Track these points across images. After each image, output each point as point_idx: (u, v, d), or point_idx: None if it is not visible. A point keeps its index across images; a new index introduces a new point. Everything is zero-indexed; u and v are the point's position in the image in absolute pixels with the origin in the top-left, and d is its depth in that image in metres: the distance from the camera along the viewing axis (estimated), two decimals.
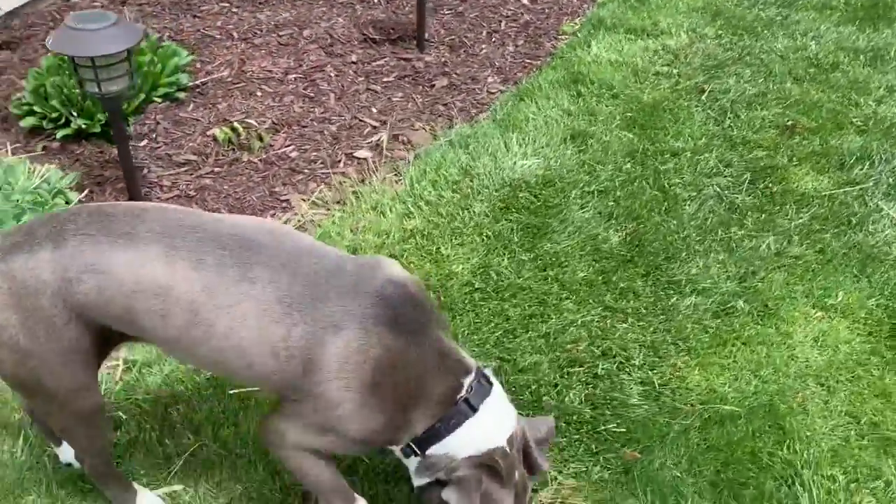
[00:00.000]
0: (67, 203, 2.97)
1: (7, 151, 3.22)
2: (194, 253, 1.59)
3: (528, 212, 3.04)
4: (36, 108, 3.39)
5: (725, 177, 3.23)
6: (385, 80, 3.95)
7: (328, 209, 3.11)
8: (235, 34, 4.27)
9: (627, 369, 2.43)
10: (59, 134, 3.36)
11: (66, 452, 2.12)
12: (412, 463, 1.74)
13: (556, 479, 2.11)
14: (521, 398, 2.31)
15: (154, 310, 1.59)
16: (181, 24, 4.35)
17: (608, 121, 3.58)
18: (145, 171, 3.28)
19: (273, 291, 1.58)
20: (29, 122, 3.41)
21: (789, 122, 3.53)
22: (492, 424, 1.69)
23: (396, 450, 1.75)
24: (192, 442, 2.20)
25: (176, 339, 1.62)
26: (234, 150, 3.43)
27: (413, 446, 1.70)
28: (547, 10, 4.68)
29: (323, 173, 3.30)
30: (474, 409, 1.67)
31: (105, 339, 1.72)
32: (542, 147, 3.40)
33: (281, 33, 4.30)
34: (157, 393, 2.35)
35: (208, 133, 3.47)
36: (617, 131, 3.51)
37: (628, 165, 3.29)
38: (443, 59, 4.14)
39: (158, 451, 2.19)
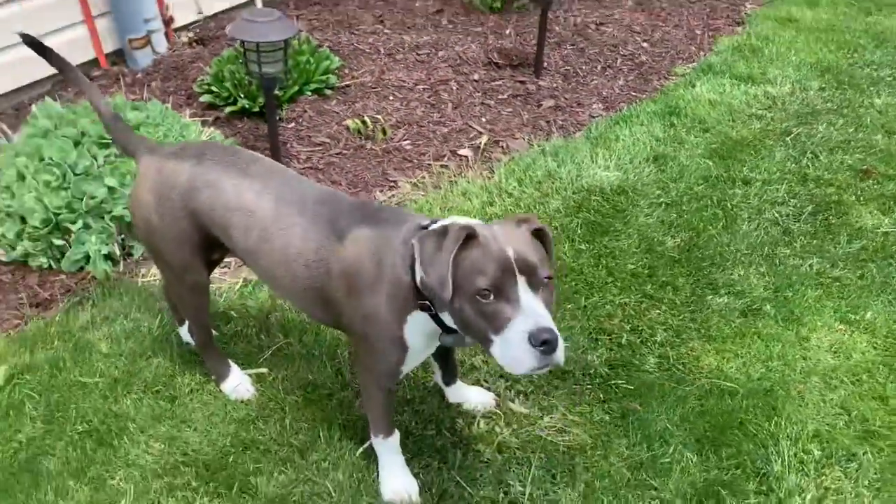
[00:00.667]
0: None
1: (186, 115, 4.02)
2: (275, 192, 2.12)
3: (596, 212, 3.44)
4: (213, 88, 4.20)
5: (788, 206, 3.49)
6: (499, 96, 4.50)
7: (425, 192, 3.66)
8: (382, 49, 4.98)
9: (649, 344, 2.77)
10: (227, 110, 4.14)
11: (185, 333, 2.75)
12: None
13: (564, 413, 2.50)
14: None
15: (242, 225, 2.13)
16: (339, 38, 5.12)
17: (692, 149, 3.92)
18: (288, 145, 3.98)
19: (311, 222, 2.07)
20: (206, 98, 4.22)
21: (866, 167, 3.72)
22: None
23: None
24: (282, 340, 2.78)
25: (252, 250, 2.15)
26: (360, 138, 4.07)
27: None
28: (664, 54, 5.08)
29: (428, 164, 3.87)
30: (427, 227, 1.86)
31: (207, 240, 2.24)
32: (625, 163, 3.80)
33: (419, 52, 4.96)
34: (263, 304, 2.95)
35: (343, 123, 4.14)
36: (698, 158, 3.84)
37: (700, 187, 3.62)
38: (554, 85, 4.63)
39: (255, 343, 2.78)
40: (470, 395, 2.54)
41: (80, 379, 2.64)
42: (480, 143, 4.04)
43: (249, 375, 2.65)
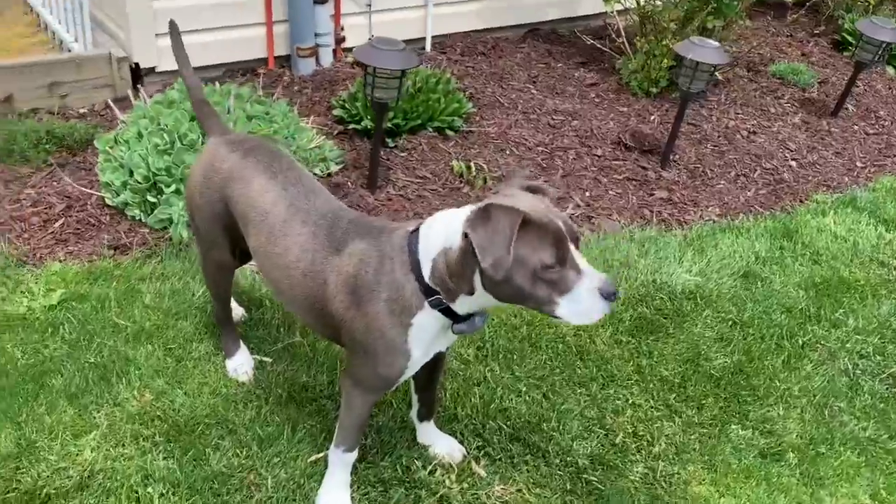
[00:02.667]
0: (325, 170, 3.95)
1: (310, 122, 4.32)
2: (291, 199, 2.22)
3: (656, 310, 3.29)
4: (346, 105, 4.49)
5: (870, 361, 3.14)
6: (614, 176, 4.44)
7: None
8: (519, 106, 5.09)
9: (643, 452, 2.60)
10: (351, 126, 4.41)
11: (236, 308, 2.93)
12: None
13: (521, 490, 2.40)
14: (528, 420, 2.63)
15: (256, 223, 2.26)
16: (485, 88, 5.29)
17: (791, 276, 3.65)
18: (392, 171, 4.17)
19: (312, 232, 2.14)
20: (338, 112, 4.52)
21: None
22: (435, 227, 1.92)
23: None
24: (296, 339, 2.90)
25: (259, 250, 2.26)
26: (461, 181, 4.17)
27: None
28: (809, 177, 4.77)
29: None
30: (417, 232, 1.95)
31: (235, 229, 2.35)
32: (711, 271, 3.61)
33: (554, 117, 5.01)
34: None
35: (450, 163, 4.26)
36: (793, 287, 3.56)
37: (779, 316, 3.36)
38: (677, 179, 4.49)
39: (272, 334, 2.93)
40: (439, 442, 2.52)
41: (115, 319, 2.91)
42: (573, 214, 4.00)
43: (255, 359, 2.79)
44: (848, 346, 3.22)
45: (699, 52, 4.16)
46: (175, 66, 2.72)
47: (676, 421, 2.74)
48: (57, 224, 3.49)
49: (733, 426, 2.74)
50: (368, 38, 5.60)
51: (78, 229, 3.47)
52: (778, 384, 2.96)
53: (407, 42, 5.79)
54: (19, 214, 3.53)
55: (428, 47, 5.88)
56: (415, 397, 2.48)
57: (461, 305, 1.93)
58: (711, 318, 3.29)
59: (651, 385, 2.89)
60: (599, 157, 4.61)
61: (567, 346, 3.02)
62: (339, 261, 2.06)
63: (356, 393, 2.15)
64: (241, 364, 2.76)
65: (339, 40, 5.49)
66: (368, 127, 4.38)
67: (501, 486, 2.40)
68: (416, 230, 1.97)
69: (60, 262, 3.25)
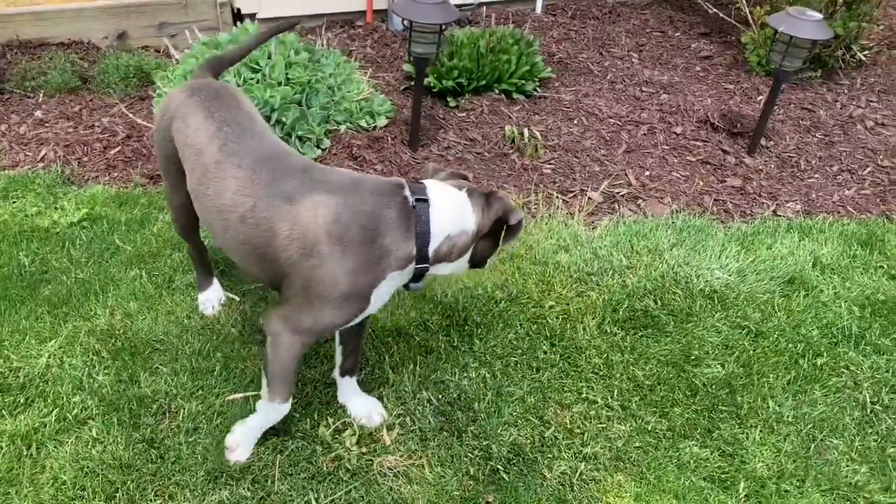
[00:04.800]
0: (371, 123, 3.94)
1: (368, 75, 4.32)
2: (224, 139, 2.15)
3: (662, 305, 2.98)
4: None
5: None
6: (686, 157, 4.04)
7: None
8: (609, 75, 4.76)
9: (573, 451, 2.38)
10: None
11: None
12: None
13: (422, 465, 2.30)
14: (461, 397, 2.50)
15: (190, 160, 2.24)
16: (580, 54, 5.00)
17: (849, 291, 3.15)
18: (444, 130, 4.08)
19: (249, 178, 2.08)
20: (406, 68, 4.48)
21: None
22: (447, 205, 2.05)
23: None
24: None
25: (193, 191, 2.22)
26: (511, 147, 3.99)
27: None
28: None
29: (550, 193, 3.67)
30: (426, 202, 2.01)
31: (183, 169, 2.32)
32: (752, 271, 3.20)
33: (644, 88, 4.63)
34: None
35: (505, 127, 4.09)
36: (845, 303, 3.08)
37: (810, 329, 2.92)
38: (761, 168, 4.00)
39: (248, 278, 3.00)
40: (357, 401, 2.46)
41: (118, 242, 3.12)
42: (619, 192, 3.70)
43: (225, 296, 2.89)
44: (879, 376, 2.73)
45: (794, 24, 3.64)
46: (279, 13, 2.79)
47: (627, 425, 2.48)
48: (113, 151, 3.78)
49: (690, 442, 2.44)
50: None
51: (129, 157, 3.74)
52: (769, 406, 2.58)
53: (517, 1, 5.60)
54: (86, 139, 3.86)
55: (539, 8, 5.65)
56: (339, 350, 2.42)
57: (440, 270, 2.11)
58: (724, 321, 2.93)
59: (616, 383, 2.63)
60: (677, 135, 4.21)
61: (541, 328, 2.82)
62: (295, 211, 1.99)
63: (289, 338, 2.05)
64: (209, 299, 2.85)
65: None
66: (431, 85, 4.30)
67: (398, 458, 2.31)
68: (424, 200, 2.01)
69: (103, 185, 3.53)
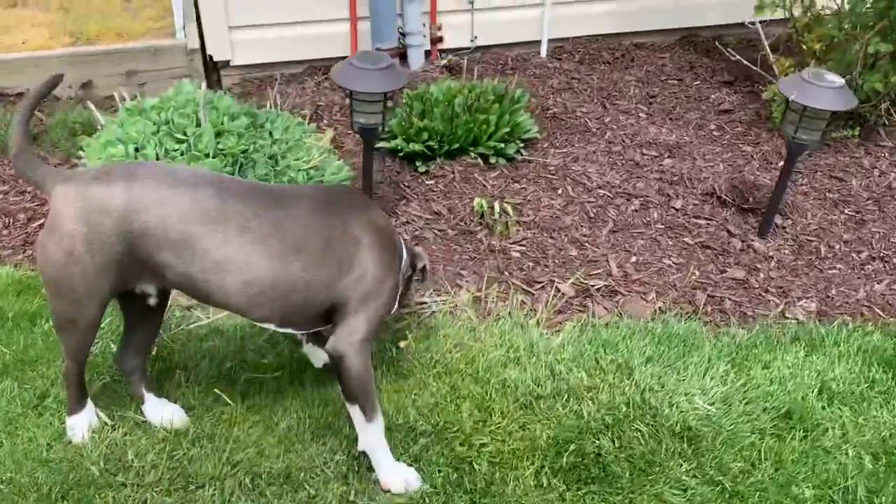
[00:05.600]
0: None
1: (333, 133, 3.87)
2: (228, 191, 2.11)
3: (617, 448, 2.43)
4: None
5: None
6: (684, 239, 3.47)
7: (460, 315, 2.98)
8: (608, 134, 4.21)
9: None
10: (380, 144, 3.89)
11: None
12: None
13: None
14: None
15: (198, 238, 2.04)
16: (579, 107, 4.47)
17: (862, 427, 2.55)
18: (406, 202, 3.61)
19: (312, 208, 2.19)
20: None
21: None
22: None
23: None
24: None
25: (228, 259, 2.06)
26: (478, 224, 3.49)
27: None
28: None
29: (513, 282, 3.15)
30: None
31: (136, 269, 2.11)
32: (736, 399, 2.63)
33: (646, 151, 4.08)
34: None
35: (473, 199, 3.59)
36: (853, 448, 2.47)
37: (804, 490, 2.33)
38: (771, 255, 3.40)
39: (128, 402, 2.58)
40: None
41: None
42: (594, 289, 3.16)
43: (98, 420, 2.47)
44: None
45: (808, 92, 3.06)
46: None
47: None
48: (35, 224, 3.44)
49: None
50: (471, 39, 5.02)
51: None
52: None
53: (519, 45, 5.10)
54: (12, 207, 3.53)
55: (543, 52, 5.15)
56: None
57: None
58: (694, 473, 2.36)
59: None
60: (676, 211, 3.64)
61: (462, 477, 2.31)
62: (351, 234, 2.18)
63: (365, 349, 2.18)
64: (78, 424, 2.43)
65: (435, 40, 4.97)
66: (399, 147, 3.84)
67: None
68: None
69: (10, 266, 3.18)
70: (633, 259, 3.33)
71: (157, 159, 3.13)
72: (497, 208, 3.50)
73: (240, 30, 4.66)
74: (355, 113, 3.10)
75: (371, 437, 2.26)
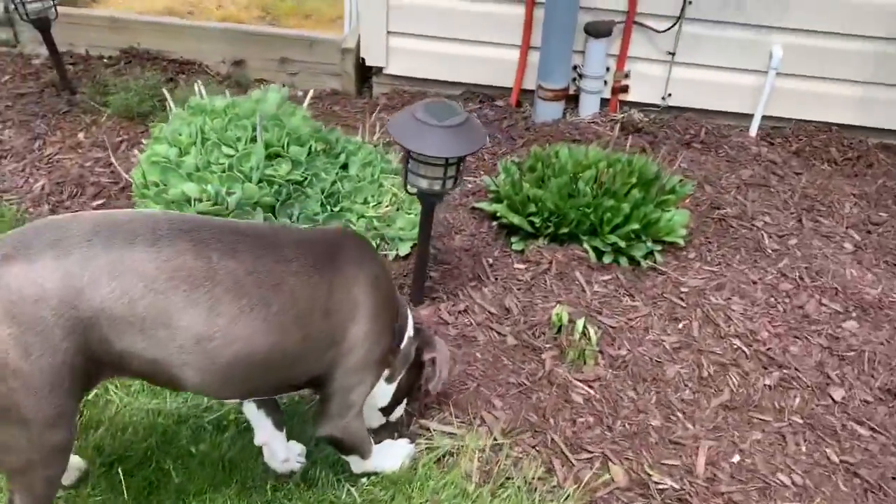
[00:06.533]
0: (384, 250, 2.93)
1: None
2: (205, 246, 1.63)
3: None
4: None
5: None
6: (824, 450, 2.40)
7: (472, 463, 2.24)
8: (786, 260, 3.15)
9: None
10: (476, 203, 3.22)
11: None
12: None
13: None
14: None
15: (172, 307, 1.56)
16: (762, 214, 3.42)
17: None
18: (478, 282, 2.91)
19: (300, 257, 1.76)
20: (486, 181, 3.35)
21: None
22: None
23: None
24: None
25: (224, 324, 1.61)
26: (552, 339, 2.70)
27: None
28: None
29: (553, 436, 2.35)
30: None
31: (95, 365, 1.59)
32: None
33: (826, 301, 2.97)
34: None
35: (554, 308, 2.78)
36: None
37: None
38: None
39: None
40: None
41: None
42: (660, 484, 2.25)
43: None
44: None
45: None
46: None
47: None
48: (97, 203, 3.24)
49: None
50: (662, 96, 4.14)
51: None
52: None
53: (723, 115, 4.08)
54: (87, 179, 3.36)
55: (753, 130, 4.14)
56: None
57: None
58: None
59: None
60: (832, 403, 2.56)
61: None
62: (352, 295, 1.81)
63: (357, 421, 1.96)
64: None
65: (619, 89, 4.16)
66: (501, 215, 3.14)
67: None
68: None
69: None
70: (735, 458, 2.35)
71: (197, 170, 2.73)
72: (579, 326, 2.67)
73: (399, 36, 4.18)
74: (411, 174, 2.44)
75: (368, 464, 2.11)
